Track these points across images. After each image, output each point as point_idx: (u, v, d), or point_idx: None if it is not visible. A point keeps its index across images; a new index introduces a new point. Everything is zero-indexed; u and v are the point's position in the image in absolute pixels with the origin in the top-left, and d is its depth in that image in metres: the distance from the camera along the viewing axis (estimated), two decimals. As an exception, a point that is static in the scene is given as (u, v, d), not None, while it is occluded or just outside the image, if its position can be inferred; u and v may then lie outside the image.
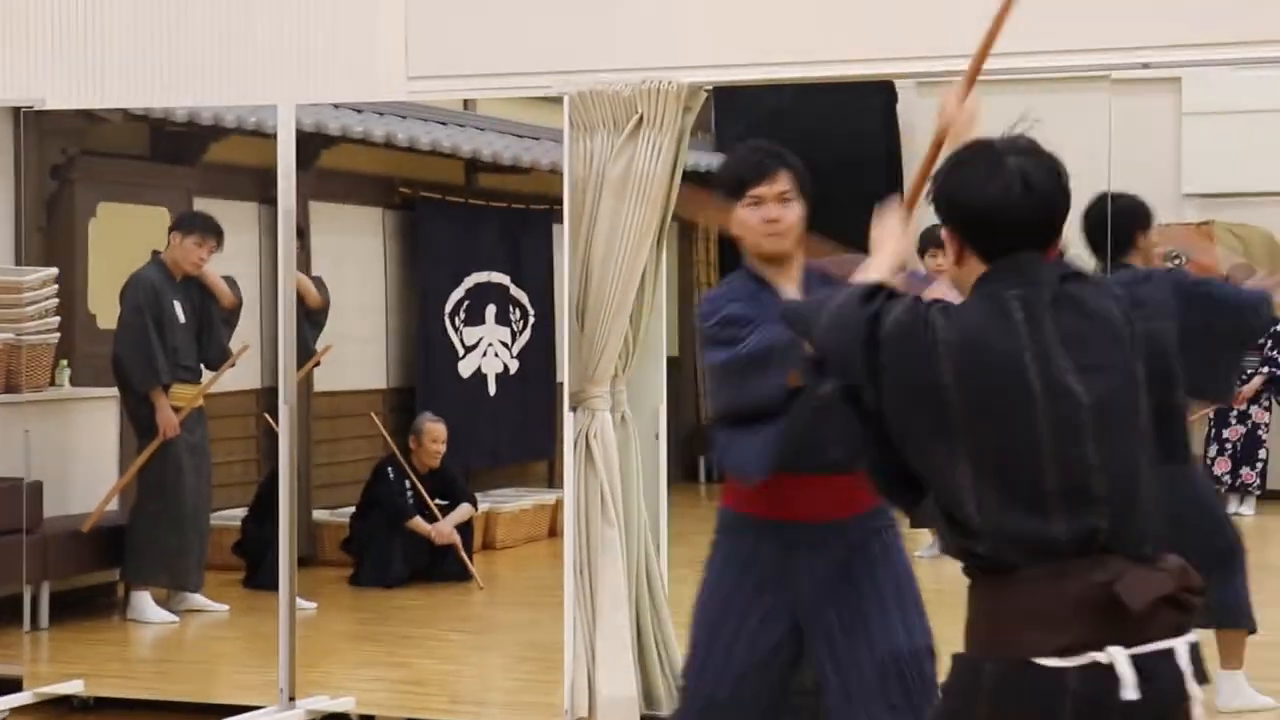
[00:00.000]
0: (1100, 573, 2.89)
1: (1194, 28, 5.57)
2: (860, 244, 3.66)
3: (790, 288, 4.33)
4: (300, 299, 7.36)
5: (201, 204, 8.56)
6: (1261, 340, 8.39)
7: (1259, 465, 9.39)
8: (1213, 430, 9.32)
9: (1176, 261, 9.53)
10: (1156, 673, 2.89)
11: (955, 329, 2.96)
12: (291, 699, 6.48)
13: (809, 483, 4.23)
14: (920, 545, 7.19)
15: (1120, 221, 6.28)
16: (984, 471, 2.94)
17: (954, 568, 3.06)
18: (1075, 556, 2.90)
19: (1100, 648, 2.87)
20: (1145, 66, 5.80)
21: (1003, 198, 3.01)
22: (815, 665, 4.29)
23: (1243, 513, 9.30)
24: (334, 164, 9.47)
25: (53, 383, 7.88)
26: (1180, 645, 2.93)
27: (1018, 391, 2.94)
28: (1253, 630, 6.30)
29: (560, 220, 6.22)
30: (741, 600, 4.32)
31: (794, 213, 4.31)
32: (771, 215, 4.30)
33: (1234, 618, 6.22)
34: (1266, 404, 9.12)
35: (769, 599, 4.28)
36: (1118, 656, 2.86)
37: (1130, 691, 2.86)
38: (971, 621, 3.01)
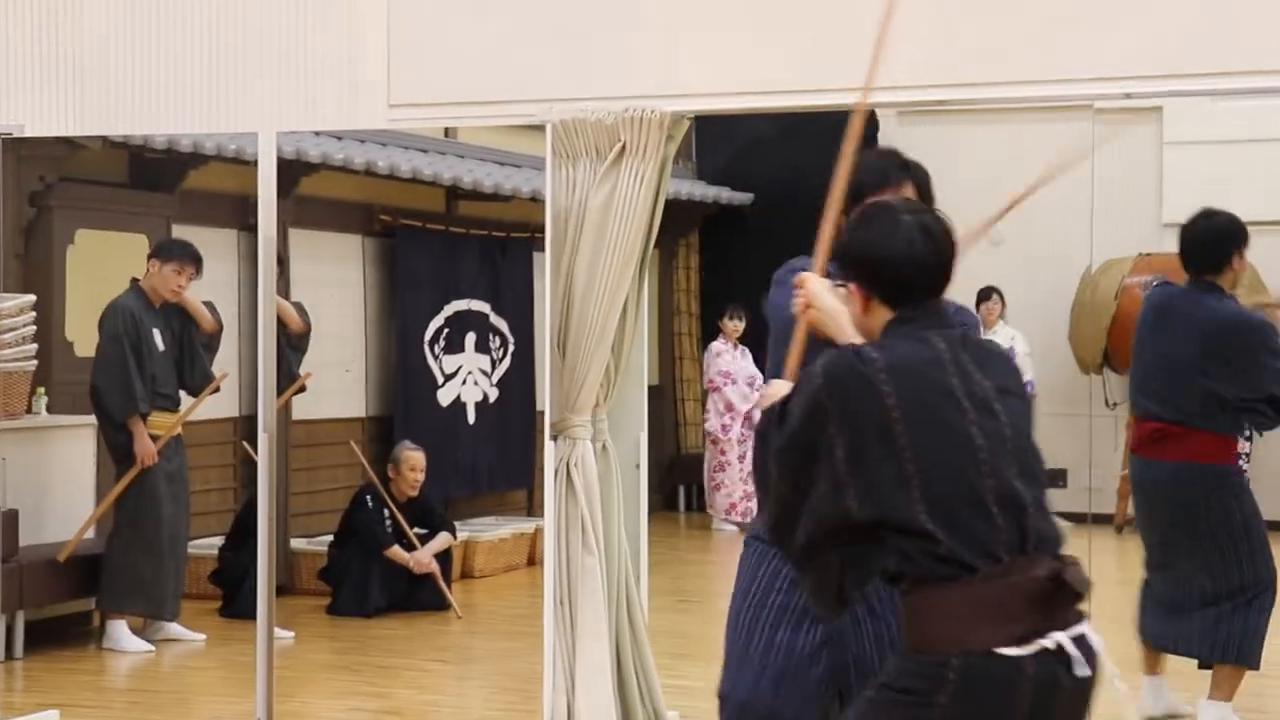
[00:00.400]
0: (1039, 568, 3.29)
1: (1176, 58, 5.57)
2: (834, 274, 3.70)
3: None
4: (282, 325, 7.34)
5: (180, 231, 8.54)
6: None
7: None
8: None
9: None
10: (1087, 652, 3.31)
11: (890, 358, 3.35)
12: (269, 729, 6.43)
13: None
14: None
15: (1219, 239, 6.30)
16: (932, 482, 3.28)
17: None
18: (1017, 555, 3.29)
19: (1045, 635, 3.25)
20: (1128, 97, 5.81)
21: (908, 250, 3.45)
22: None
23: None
24: (314, 191, 9.46)
25: (29, 410, 7.84)
26: (1088, 628, 3.35)
27: (953, 408, 3.33)
28: (1255, 667, 6.23)
29: (541, 248, 6.21)
30: (777, 601, 4.24)
31: None
32: None
33: (1245, 655, 6.17)
34: (1248, 434, 9.13)
35: (801, 599, 4.15)
36: (1064, 640, 3.26)
37: (1082, 668, 3.28)
38: (922, 625, 3.31)
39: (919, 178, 4.27)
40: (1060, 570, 3.29)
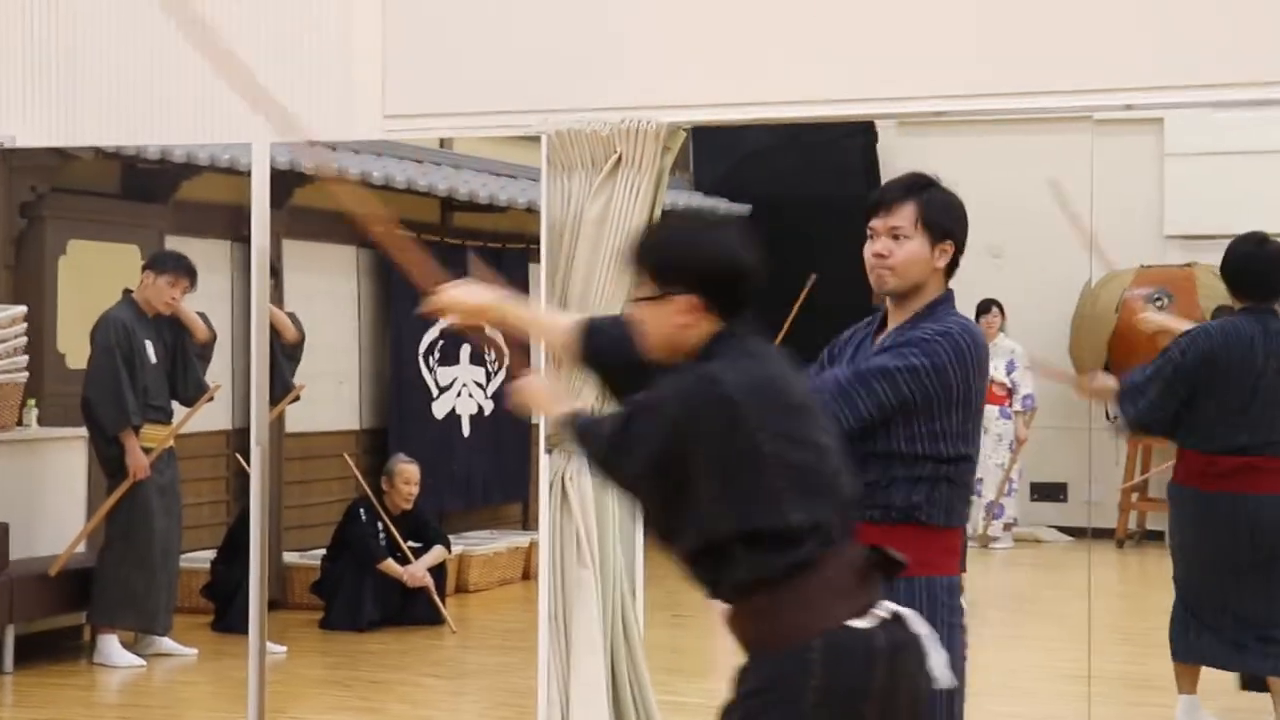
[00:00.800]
0: (859, 548, 3.54)
1: (1176, 69, 5.54)
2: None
3: (894, 326, 4.14)
4: (276, 334, 7.28)
5: (173, 242, 8.50)
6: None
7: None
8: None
9: (1159, 303, 9.51)
10: (905, 619, 3.54)
11: (732, 368, 3.46)
12: (261, 745, 6.38)
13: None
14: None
15: (1273, 265, 6.30)
16: (798, 487, 3.45)
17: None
18: (844, 539, 3.50)
19: (877, 605, 3.48)
20: (1128, 108, 5.77)
21: (751, 260, 3.54)
22: None
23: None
24: (308, 202, 9.41)
25: (20, 423, 7.79)
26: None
27: (796, 404, 3.52)
28: None
29: (536, 259, 6.16)
30: None
31: (905, 250, 4.07)
32: (876, 249, 4.10)
33: None
34: None
35: None
36: (891, 608, 3.50)
37: (921, 626, 3.52)
38: (775, 622, 3.45)
39: (927, 200, 4.09)
40: (873, 549, 3.56)
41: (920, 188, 4.12)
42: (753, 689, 3.46)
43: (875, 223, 4.11)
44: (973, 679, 7.34)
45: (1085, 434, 8.87)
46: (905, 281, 4.09)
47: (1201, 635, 6.34)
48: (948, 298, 4.14)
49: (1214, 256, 7.68)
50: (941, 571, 4.02)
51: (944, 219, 4.11)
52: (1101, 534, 8.92)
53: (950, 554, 4.07)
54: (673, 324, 3.55)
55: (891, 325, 4.14)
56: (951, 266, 4.14)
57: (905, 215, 4.08)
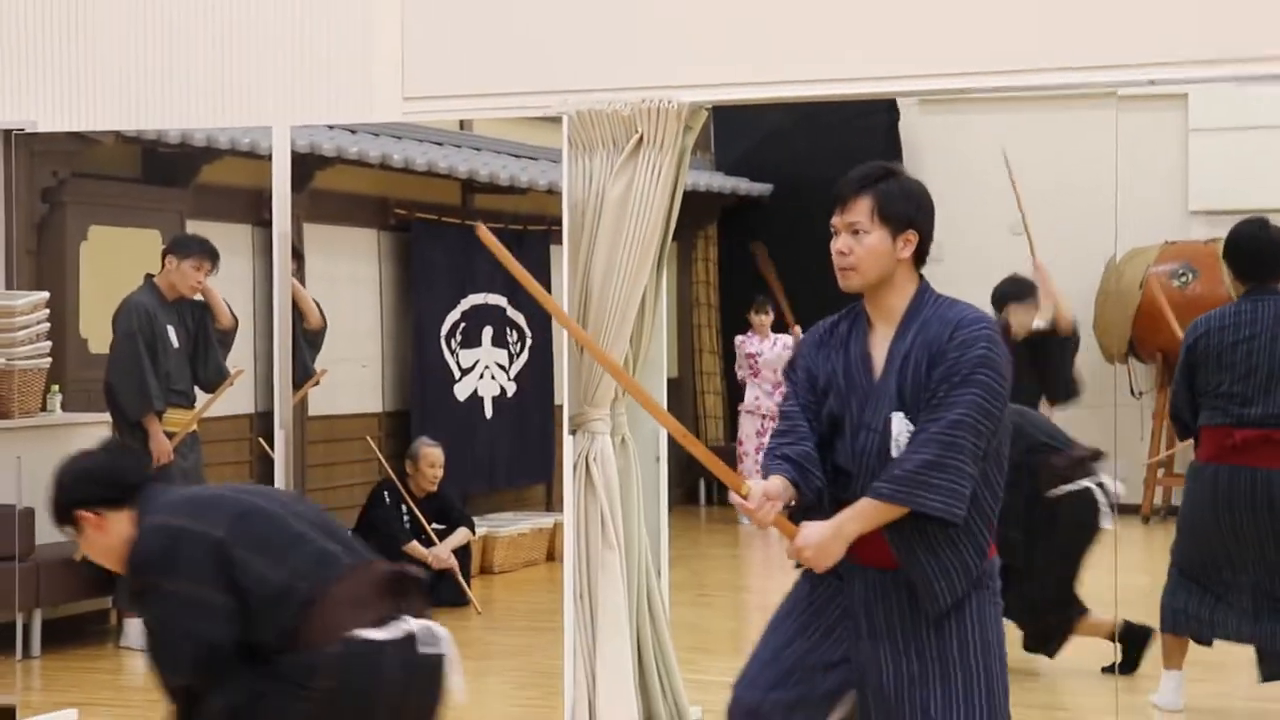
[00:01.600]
0: (382, 567, 4.14)
1: (1200, 44, 5.52)
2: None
3: (886, 330, 4.08)
4: (299, 319, 7.28)
5: (194, 226, 8.49)
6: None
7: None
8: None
9: (1184, 279, 9.47)
10: (432, 637, 4.05)
11: (188, 507, 4.06)
12: (288, 728, 6.39)
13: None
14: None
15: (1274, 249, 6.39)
16: (273, 552, 4.00)
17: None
18: (357, 562, 4.11)
19: (399, 619, 3.99)
20: (1152, 83, 5.73)
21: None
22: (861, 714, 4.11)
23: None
24: (328, 185, 9.41)
25: (44, 408, 7.79)
26: (435, 623, 4.12)
27: (266, 516, 4.10)
28: None
29: (558, 241, 6.15)
30: (809, 611, 4.16)
31: (865, 246, 4.02)
32: (838, 247, 4.07)
33: None
34: None
35: (835, 616, 4.12)
36: (415, 625, 4.01)
37: (434, 647, 4.02)
38: (308, 632, 3.92)
39: (881, 191, 4.04)
40: (401, 569, 4.19)
41: (875, 179, 4.06)
42: (283, 675, 3.93)
43: (835, 220, 4.07)
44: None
45: (1110, 410, 8.84)
46: (869, 277, 4.05)
47: (1216, 609, 6.35)
48: (925, 289, 4.09)
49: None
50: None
51: (903, 209, 4.05)
52: (1127, 509, 8.89)
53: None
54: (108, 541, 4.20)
55: (877, 324, 4.08)
56: (920, 255, 4.08)
57: (861, 210, 4.03)
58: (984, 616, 4.02)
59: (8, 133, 7.10)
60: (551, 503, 10.70)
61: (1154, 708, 6.53)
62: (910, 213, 4.05)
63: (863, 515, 3.95)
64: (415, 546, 9.01)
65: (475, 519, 9.58)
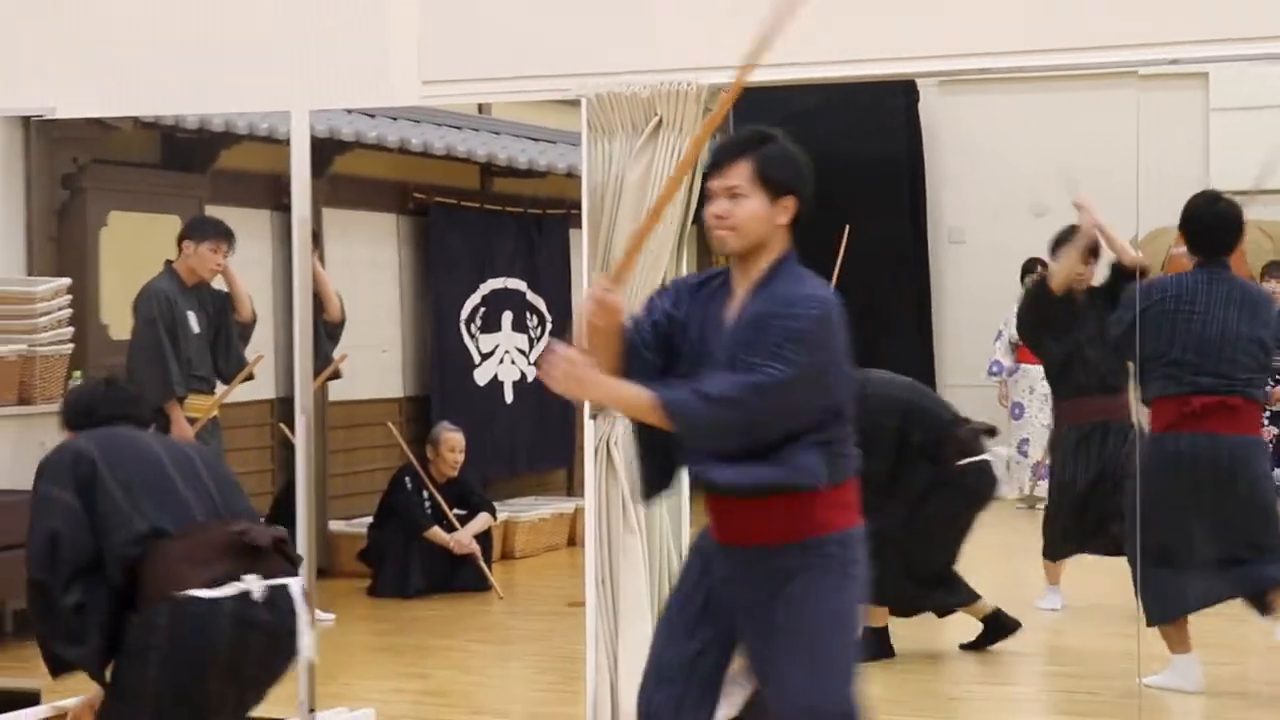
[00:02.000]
0: (231, 526, 4.27)
1: (1222, 23, 5.48)
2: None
3: (743, 295, 4.09)
4: (319, 307, 7.27)
5: (213, 211, 8.50)
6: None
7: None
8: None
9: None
10: (279, 599, 4.22)
11: (92, 438, 4.50)
12: (311, 711, 6.39)
13: (725, 505, 4.07)
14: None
15: (1231, 225, 6.54)
16: (135, 492, 4.29)
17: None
18: (213, 518, 4.30)
19: (239, 579, 4.16)
20: (1173, 62, 5.70)
21: None
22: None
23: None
24: (347, 170, 9.41)
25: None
26: (293, 583, 4.30)
27: (144, 446, 4.50)
28: None
29: (577, 225, 6.14)
30: (679, 602, 4.22)
31: (744, 209, 4.03)
32: (715, 211, 4.08)
33: None
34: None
35: (699, 602, 4.16)
36: (255, 584, 4.17)
37: (273, 612, 4.19)
38: (142, 590, 4.17)
39: (760, 156, 4.06)
40: (248, 529, 4.26)
41: (756, 143, 4.07)
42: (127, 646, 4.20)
43: (713, 184, 4.08)
44: (1022, 636, 7.35)
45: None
46: (746, 241, 4.05)
47: (1190, 584, 6.39)
48: (789, 256, 4.09)
49: (1259, 211, 7.64)
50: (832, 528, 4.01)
51: (781, 174, 4.05)
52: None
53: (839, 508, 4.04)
54: None
55: (738, 288, 4.09)
56: (795, 222, 4.08)
57: (741, 173, 4.04)
58: (823, 587, 3.98)
59: (27, 119, 7.11)
60: (573, 487, 10.71)
61: (1149, 689, 6.49)
62: (788, 179, 4.05)
63: (627, 399, 4.02)
64: (436, 532, 9.02)
65: (496, 504, 9.59)
